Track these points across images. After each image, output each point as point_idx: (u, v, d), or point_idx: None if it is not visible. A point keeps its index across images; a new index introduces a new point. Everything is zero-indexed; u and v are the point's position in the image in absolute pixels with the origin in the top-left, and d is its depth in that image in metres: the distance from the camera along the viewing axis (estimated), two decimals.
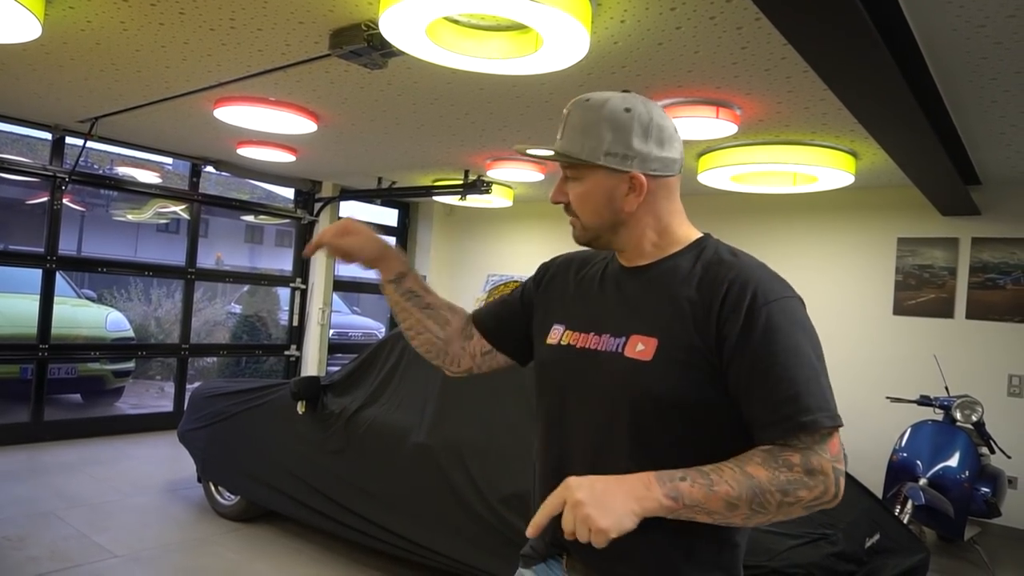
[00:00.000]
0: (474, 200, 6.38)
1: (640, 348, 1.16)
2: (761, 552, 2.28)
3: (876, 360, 5.23)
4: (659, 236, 1.26)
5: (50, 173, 5.32)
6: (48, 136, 5.34)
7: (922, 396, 4.26)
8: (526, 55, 2.76)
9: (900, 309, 5.20)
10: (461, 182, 6.02)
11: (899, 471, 4.05)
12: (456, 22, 2.75)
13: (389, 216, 8.27)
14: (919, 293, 5.13)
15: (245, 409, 3.89)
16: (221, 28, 3.03)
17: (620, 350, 1.18)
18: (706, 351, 1.13)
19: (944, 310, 5.02)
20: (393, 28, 2.55)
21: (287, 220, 7.35)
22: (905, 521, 3.58)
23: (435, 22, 2.62)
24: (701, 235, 1.30)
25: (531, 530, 1.08)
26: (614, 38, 2.84)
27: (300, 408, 3.57)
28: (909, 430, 4.18)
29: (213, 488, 4.09)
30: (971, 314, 4.92)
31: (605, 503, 1.00)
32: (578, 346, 1.25)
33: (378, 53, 2.99)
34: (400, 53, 2.91)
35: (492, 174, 5.67)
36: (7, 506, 3.89)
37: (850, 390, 5.17)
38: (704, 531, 1.15)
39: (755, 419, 1.10)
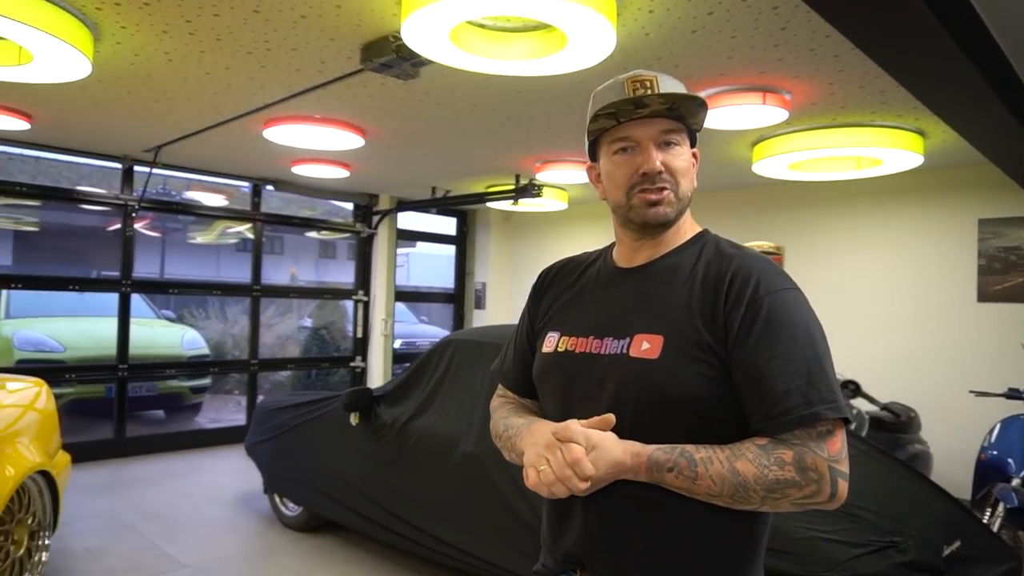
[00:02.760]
0: (527, 204, 6.35)
1: (646, 347, 1.12)
2: (820, 561, 2.14)
3: (959, 351, 4.88)
4: (684, 223, 1.23)
5: (121, 202, 5.62)
6: (119, 166, 5.64)
7: (1011, 389, 3.93)
8: (553, 54, 2.71)
9: (985, 295, 4.83)
10: (513, 187, 6.00)
11: (988, 471, 3.74)
12: (481, 26, 2.72)
13: (447, 225, 8.34)
14: (1005, 278, 4.75)
15: (304, 422, 3.98)
16: (257, 51, 3.11)
17: (625, 351, 1.14)
18: (715, 346, 1.09)
19: None
20: (416, 36, 2.55)
21: (348, 234, 7.51)
22: (996, 526, 3.30)
23: (459, 28, 2.60)
24: (701, 229, 1.23)
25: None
26: (645, 29, 2.75)
27: (354, 419, 3.61)
28: (999, 426, 3.86)
29: (278, 499, 4.20)
30: None
31: (601, 456, 1.06)
32: (577, 351, 1.19)
33: (408, 63, 3.00)
34: (428, 62, 2.91)
35: (542, 177, 5.62)
36: (89, 519, 4.10)
37: (931, 384, 4.85)
38: (725, 539, 1.09)
39: (754, 412, 1.06)
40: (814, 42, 2.81)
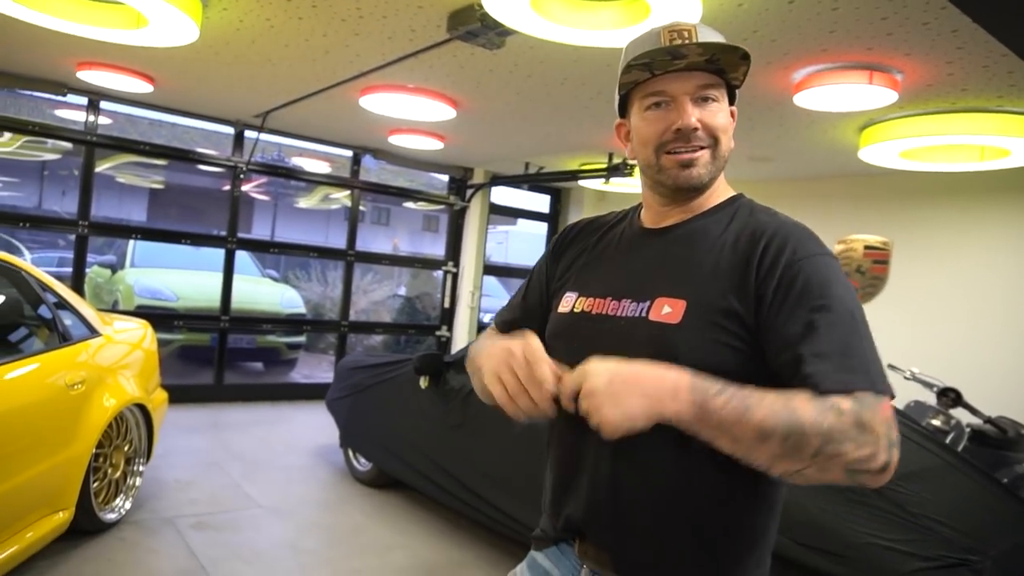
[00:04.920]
0: (620, 184, 6.23)
1: (667, 311, 1.07)
2: (877, 570, 2.01)
3: None
4: (717, 186, 1.17)
5: (232, 163, 5.98)
6: (232, 130, 5.99)
7: None
8: (637, 24, 2.63)
9: None
10: (605, 165, 5.91)
11: None
12: None
13: (541, 202, 8.33)
14: None
15: (379, 382, 4.12)
16: (351, 18, 3.20)
17: (644, 314, 1.09)
18: (743, 315, 1.02)
19: None
20: (498, 4, 2.54)
21: (441, 206, 7.65)
22: None
23: None
24: (735, 193, 1.16)
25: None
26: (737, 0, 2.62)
27: (423, 383, 3.70)
28: None
29: (351, 454, 4.39)
30: None
31: (619, 397, 0.92)
32: (593, 312, 1.16)
33: (493, 32, 3.00)
34: (512, 31, 2.90)
35: None
36: (185, 454, 4.44)
37: None
38: (724, 515, 1.05)
39: (796, 374, 0.97)
40: (928, 15, 2.58)
